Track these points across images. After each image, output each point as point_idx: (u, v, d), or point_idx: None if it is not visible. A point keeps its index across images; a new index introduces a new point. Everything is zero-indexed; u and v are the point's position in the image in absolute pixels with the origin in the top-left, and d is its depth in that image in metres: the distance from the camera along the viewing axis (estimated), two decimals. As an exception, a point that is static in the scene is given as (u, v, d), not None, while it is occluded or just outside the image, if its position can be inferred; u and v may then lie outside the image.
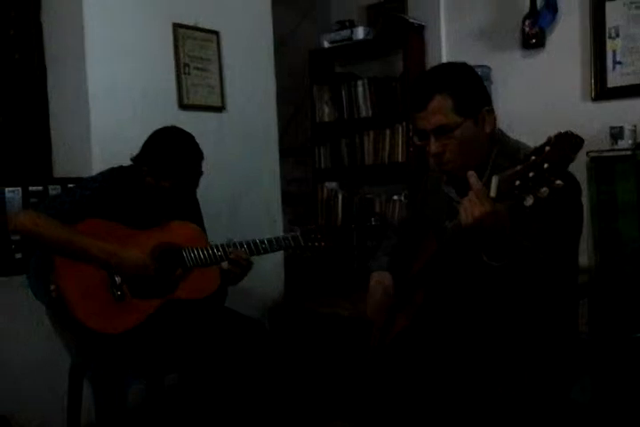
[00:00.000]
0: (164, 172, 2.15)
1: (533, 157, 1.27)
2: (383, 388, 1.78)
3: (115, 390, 2.10)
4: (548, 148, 1.25)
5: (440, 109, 1.63)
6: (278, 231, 3.26)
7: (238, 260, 2.20)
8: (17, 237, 2.44)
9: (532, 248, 1.50)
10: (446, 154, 1.66)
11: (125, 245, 2.08)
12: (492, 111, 1.68)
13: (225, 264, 2.25)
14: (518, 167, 1.29)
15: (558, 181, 1.24)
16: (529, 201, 1.28)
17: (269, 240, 2.27)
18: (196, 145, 2.21)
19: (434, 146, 1.65)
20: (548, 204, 1.34)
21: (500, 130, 1.75)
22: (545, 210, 1.44)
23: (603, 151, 2.88)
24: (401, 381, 1.74)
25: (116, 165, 2.27)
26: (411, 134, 3.64)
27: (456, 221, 1.55)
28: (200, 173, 2.24)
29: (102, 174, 2.21)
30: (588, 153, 2.83)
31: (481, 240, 1.48)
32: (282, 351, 2.62)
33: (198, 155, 2.21)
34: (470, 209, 1.41)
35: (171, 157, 2.14)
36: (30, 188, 2.53)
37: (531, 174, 1.26)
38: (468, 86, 1.67)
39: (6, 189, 2.48)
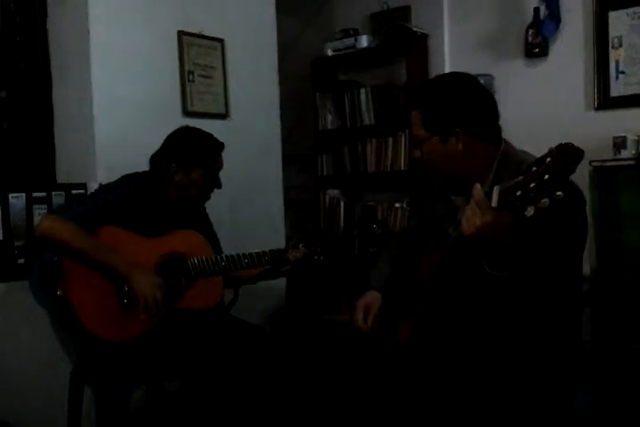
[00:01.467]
0: (194, 159, 2.20)
1: (534, 168, 1.27)
2: (384, 395, 1.78)
3: (116, 396, 2.11)
4: (549, 159, 1.26)
5: (413, 122, 1.78)
6: (280, 238, 3.26)
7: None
8: (20, 244, 2.45)
9: (534, 259, 1.50)
10: (424, 160, 1.80)
11: (133, 252, 2.10)
12: (461, 132, 1.70)
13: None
14: (520, 178, 1.30)
15: (559, 192, 1.25)
16: (530, 211, 1.28)
17: (271, 251, 2.30)
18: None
19: (414, 151, 1.83)
20: (549, 214, 1.34)
21: (504, 140, 1.76)
22: (547, 221, 1.44)
23: (605, 161, 2.88)
24: (402, 390, 1.74)
25: (121, 172, 2.28)
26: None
27: (459, 230, 1.56)
28: (222, 165, 2.30)
29: (125, 181, 2.23)
30: (590, 162, 2.83)
31: (483, 250, 1.49)
32: (283, 357, 2.62)
33: (221, 143, 2.29)
34: (472, 219, 1.42)
35: (198, 143, 2.24)
36: (34, 194, 2.54)
37: (532, 185, 1.27)
38: (440, 105, 1.72)
39: (10, 195, 2.49)
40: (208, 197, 2.34)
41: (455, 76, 1.80)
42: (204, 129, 2.33)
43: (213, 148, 2.27)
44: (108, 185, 2.24)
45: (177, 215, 2.26)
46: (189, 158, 2.21)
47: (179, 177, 2.22)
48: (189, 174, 2.22)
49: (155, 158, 2.28)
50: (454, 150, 1.72)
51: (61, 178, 2.80)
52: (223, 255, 2.24)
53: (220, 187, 2.32)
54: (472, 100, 1.73)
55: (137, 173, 2.26)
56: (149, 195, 2.21)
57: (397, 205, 3.85)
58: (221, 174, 2.35)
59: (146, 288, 2.03)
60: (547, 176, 1.25)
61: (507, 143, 1.77)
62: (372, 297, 1.97)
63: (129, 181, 2.22)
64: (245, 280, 2.44)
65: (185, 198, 2.27)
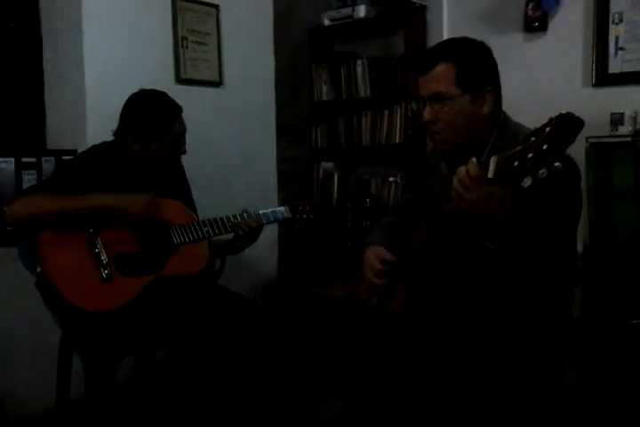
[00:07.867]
0: (149, 133, 2.14)
1: (533, 138, 1.25)
2: (375, 368, 1.78)
3: (104, 364, 2.10)
4: (548, 129, 1.23)
5: (441, 77, 1.62)
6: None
7: (248, 227, 2.23)
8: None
9: (532, 232, 1.49)
10: (437, 123, 1.65)
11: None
12: (492, 92, 1.65)
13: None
14: (518, 148, 1.28)
15: (557, 163, 1.23)
16: (527, 182, 1.26)
17: (257, 215, 2.28)
18: (172, 100, 2.21)
19: (426, 113, 1.65)
20: (546, 186, 1.32)
21: (504, 112, 1.73)
22: (543, 193, 1.42)
23: (602, 137, 2.86)
24: (393, 362, 1.74)
25: (104, 141, 2.24)
26: (409, 114, 3.62)
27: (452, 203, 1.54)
28: (184, 129, 2.23)
29: (83, 153, 2.21)
30: (587, 139, 2.81)
31: (481, 224, 1.47)
32: (274, 330, 2.62)
33: (177, 108, 2.20)
34: (463, 192, 1.40)
35: (148, 114, 2.15)
36: (23, 159, 2.51)
37: (529, 155, 1.25)
38: (475, 61, 1.65)
39: (-1, 160, 2.46)
40: (176, 161, 2.29)
41: (478, 41, 1.71)
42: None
43: (165, 117, 2.16)
44: (68, 160, 2.21)
45: (149, 183, 2.22)
46: (142, 131, 2.15)
47: (137, 147, 2.17)
48: (147, 146, 2.16)
49: (116, 129, 2.22)
50: (479, 113, 1.64)
51: (51, 144, 2.76)
52: (206, 220, 2.21)
53: (183, 153, 2.25)
54: (495, 62, 1.69)
55: (104, 143, 2.22)
56: (117, 164, 2.17)
57: (391, 179, 3.82)
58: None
59: (143, 209, 2.07)
60: (545, 146, 1.22)
61: (506, 114, 1.74)
62: (380, 249, 1.90)
63: (89, 153, 2.18)
64: (227, 249, 2.39)
65: (151, 167, 2.22)
